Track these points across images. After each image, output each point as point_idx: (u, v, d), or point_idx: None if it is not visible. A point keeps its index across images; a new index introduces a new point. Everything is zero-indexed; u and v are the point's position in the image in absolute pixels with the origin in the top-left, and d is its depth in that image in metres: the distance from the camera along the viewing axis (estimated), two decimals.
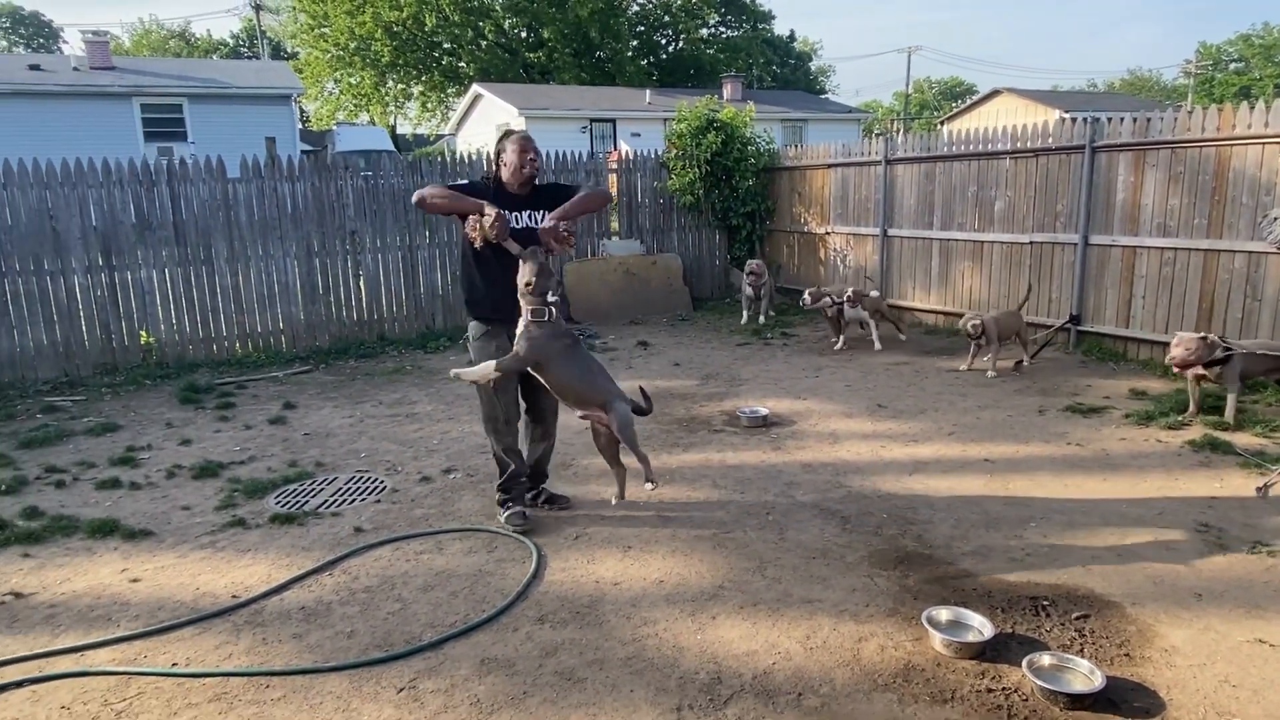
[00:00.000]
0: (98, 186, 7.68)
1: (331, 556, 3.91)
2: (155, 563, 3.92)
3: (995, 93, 37.26)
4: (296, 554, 3.96)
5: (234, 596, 3.55)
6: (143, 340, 8.02)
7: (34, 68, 21.36)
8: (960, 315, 8.43)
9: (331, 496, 4.72)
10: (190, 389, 7.14)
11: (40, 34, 47.89)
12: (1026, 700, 2.70)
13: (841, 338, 8.13)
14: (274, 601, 3.52)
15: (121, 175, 7.76)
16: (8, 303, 7.42)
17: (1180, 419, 5.43)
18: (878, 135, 10.50)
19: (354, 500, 4.66)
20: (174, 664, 3.06)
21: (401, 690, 2.86)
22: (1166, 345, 6.68)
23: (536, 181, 4.17)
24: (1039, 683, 2.70)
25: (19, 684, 2.96)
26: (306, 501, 4.65)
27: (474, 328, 4.18)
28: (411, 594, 3.53)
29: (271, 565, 3.84)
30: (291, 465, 5.26)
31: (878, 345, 8.01)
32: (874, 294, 8.33)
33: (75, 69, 21.68)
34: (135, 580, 3.75)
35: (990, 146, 8.10)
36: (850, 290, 8.08)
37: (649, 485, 3.85)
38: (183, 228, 8.03)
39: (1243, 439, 5.07)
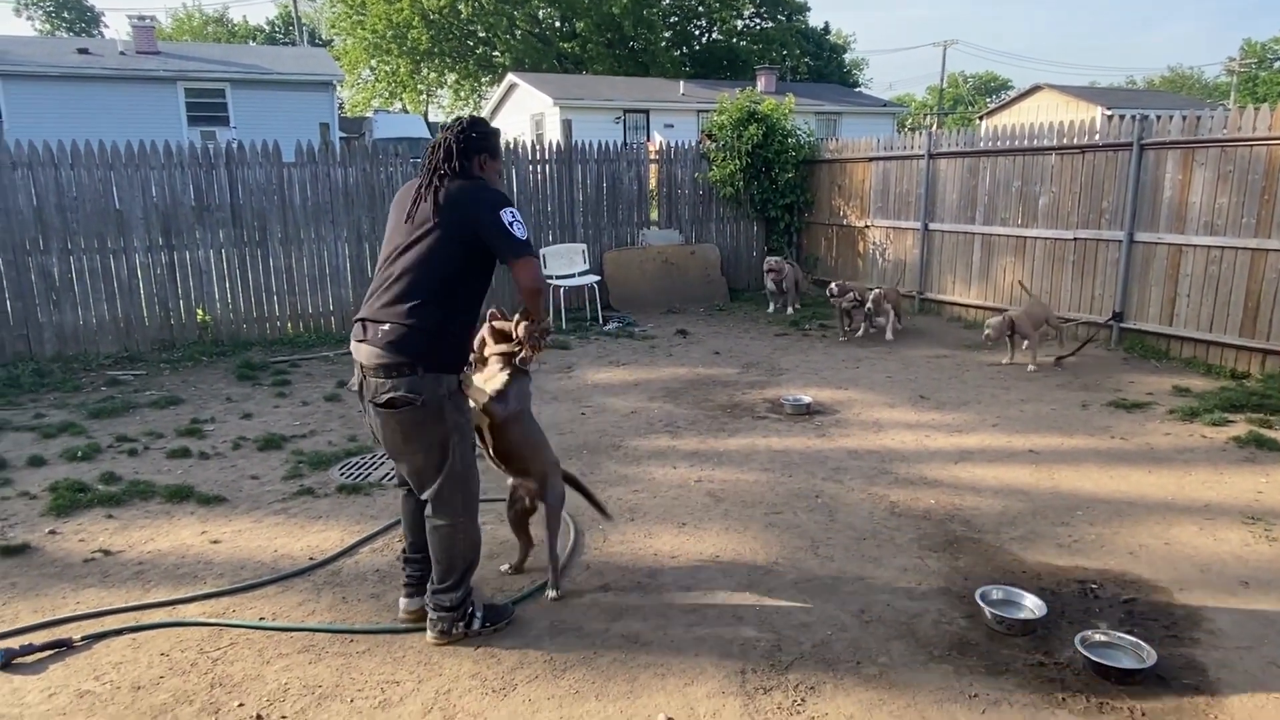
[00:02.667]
0: (159, 168, 7.92)
1: (392, 519, 4.09)
2: (232, 526, 4.12)
3: (1036, 88, 36.81)
4: (366, 522, 4.14)
5: (310, 559, 3.74)
6: (199, 318, 8.27)
7: (82, 51, 21.82)
8: (1002, 310, 8.49)
9: (392, 470, 4.90)
10: (246, 366, 7.37)
11: (82, 18, 48.80)
12: (1079, 675, 2.81)
13: (862, 327, 8.28)
14: (349, 564, 3.70)
15: (182, 158, 7.99)
16: (73, 279, 7.69)
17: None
18: (914, 129, 10.50)
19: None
20: (261, 617, 3.24)
21: (479, 647, 3.02)
22: (1211, 344, 6.74)
23: None
24: (1092, 657, 2.80)
25: (118, 632, 3.16)
26: (369, 474, 4.84)
27: (452, 384, 2.95)
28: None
29: (344, 531, 4.03)
30: (351, 440, 5.45)
31: (889, 335, 8.15)
32: (878, 289, 8.42)
33: (121, 53, 22.12)
34: (215, 541, 3.95)
35: (1036, 142, 8.11)
36: (879, 289, 8.21)
37: (551, 594, 3.32)
38: (239, 210, 8.26)
39: None
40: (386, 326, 2.83)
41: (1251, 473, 4.59)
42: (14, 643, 2.99)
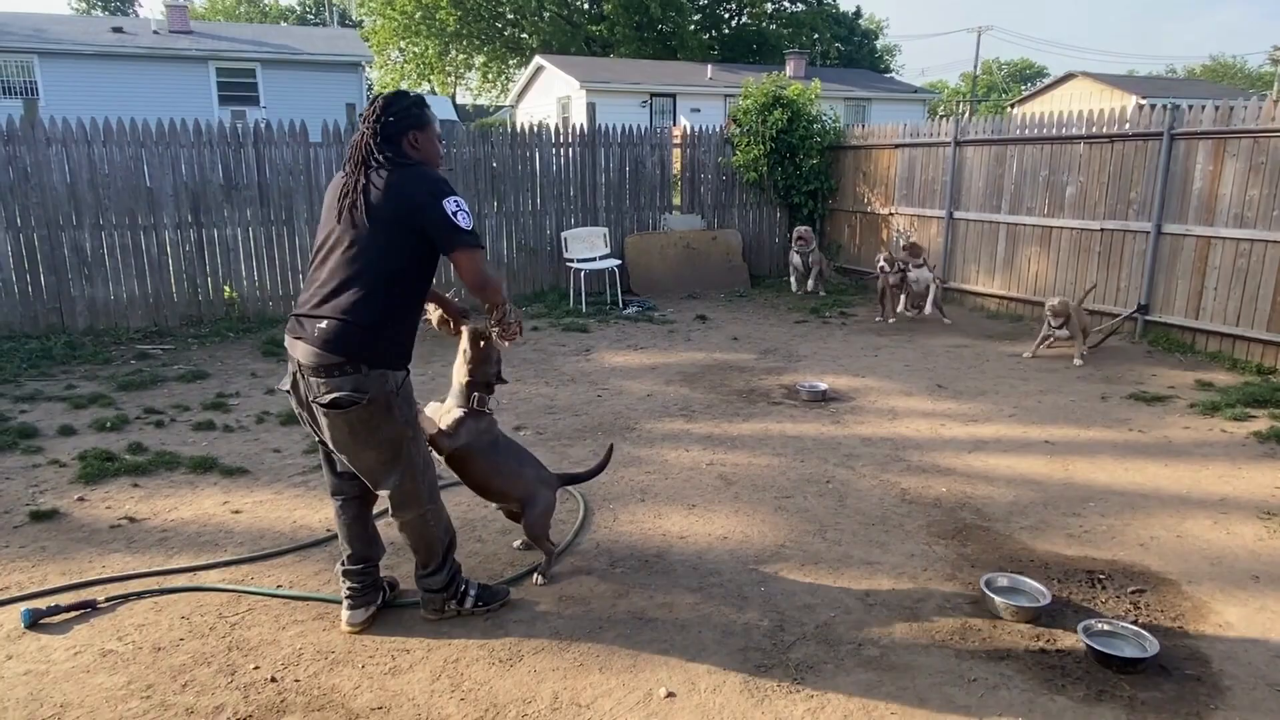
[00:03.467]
0: (189, 146, 8.04)
1: None
2: (253, 497, 4.23)
3: (1069, 76, 36.13)
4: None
5: (328, 530, 3.83)
6: (226, 295, 8.41)
7: (117, 30, 22.15)
8: (1025, 301, 8.43)
9: None
10: (271, 342, 7.50)
11: None
12: (1080, 662, 2.82)
13: (902, 301, 8.26)
14: None
15: (211, 136, 8.11)
16: (104, 255, 7.86)
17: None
18: (944, 116, 10.41)
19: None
20: (279, 585, 3.34)
21: (488, 619, 3.09)
22: (1237, 338, 6.65)
23: None
24: (1093, 646, 2.81)
25: (141, 595, 3.27)
26: None
27: (398, 380, 2.81)
28: (491, 536, 3.77)
29: None
30: None
31: (928, 310, 8.09)
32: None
33: (155, 32, 22.42)
34: (237, 511, 4.06)
35: (1064, 131, 7.99)
36: (907, 242, 8.18)
37: (538, 579, 3.33)
38: (266, 189, 8.38)
39: None
40: (324, 324, 2.65)
41: (1271, 468, 4.54)
42: (41, 603, 3.11)
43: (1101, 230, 7.69)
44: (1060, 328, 6.80)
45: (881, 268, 8.27)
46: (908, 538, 3.77)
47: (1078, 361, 6.76)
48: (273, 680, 2.74)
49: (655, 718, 2.57)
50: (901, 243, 8.12)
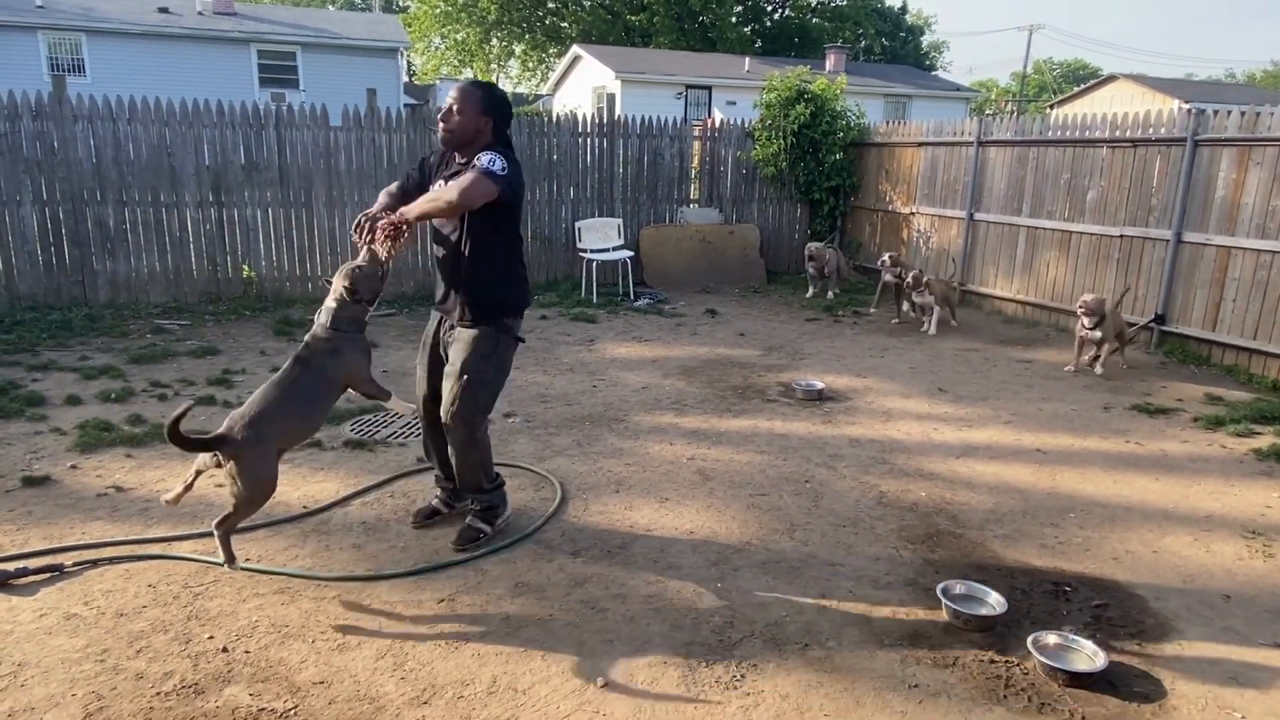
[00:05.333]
0: (212, 126, 8.21)
1: (389, 475, 4.24)
2: None
3: (1111, 78, 35.30)
4: (364, 476, 4.31)
5: (304, 507, 3.91)
6: (244, 274, 8.58)
7: (162, 10, 22.56)
8: (1042, 306, 8.28)
9: (401, 429, 5.06)
10: (284, 322, 7.65)
11: None
12: (1027, 674, 2.78)
13: (905, 304, 8.15)
14: (339, 514, 3.86)
15: (234, 117, 8.27)
16: (126, 231, 8.06)
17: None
18: (994, 115, 10.21)
19: (419, 434, 4.97)
20: (246, 559, 3.41)
21: (442, 601, 3.14)
22: (1254, 353, 6.45)
23: (465, 150, 3.34)
24: (1041, 659, 2.78)
25: (112, 561, 3.37)
26: (378, 431, 5.01)
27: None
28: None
29: (341, 484, 4.19)
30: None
31: (932, 330, 7.95)
32: (938, 279, 8.19)
33: (200, 13, 22.82)
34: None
35: (1087, 134, 7.82)
36: (913, 273, 8.04)
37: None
38: (286, 171, 8.52)
39: None
40: None
41: (1265, 487, 4.42)
42: (10, 566, 3.22)
43: (1121, 236, 7.51)
44: (1094, 328, 6.44)
45: (883, 261, 8.16)
46: (876, 541, 3.74)
47: (1099, 370, 6.52)
48: (224, 650, 2.81)
49: (588, 706, 2.59)
50: (909, 277, 7.99)
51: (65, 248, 7.84)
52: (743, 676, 2.74)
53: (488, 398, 3.48)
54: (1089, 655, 2.81)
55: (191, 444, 3.02)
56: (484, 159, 3.16)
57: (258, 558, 3.44)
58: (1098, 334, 6.48)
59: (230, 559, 3.10)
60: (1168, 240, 7.07)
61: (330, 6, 46.64)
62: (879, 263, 8.14)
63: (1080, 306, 6.50)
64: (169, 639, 2.87)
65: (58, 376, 5.89)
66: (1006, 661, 2.85)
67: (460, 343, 3.44)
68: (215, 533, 3.08)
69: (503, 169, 3.17)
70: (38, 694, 2.57)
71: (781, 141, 10.32)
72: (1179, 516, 4.04)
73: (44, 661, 2.72)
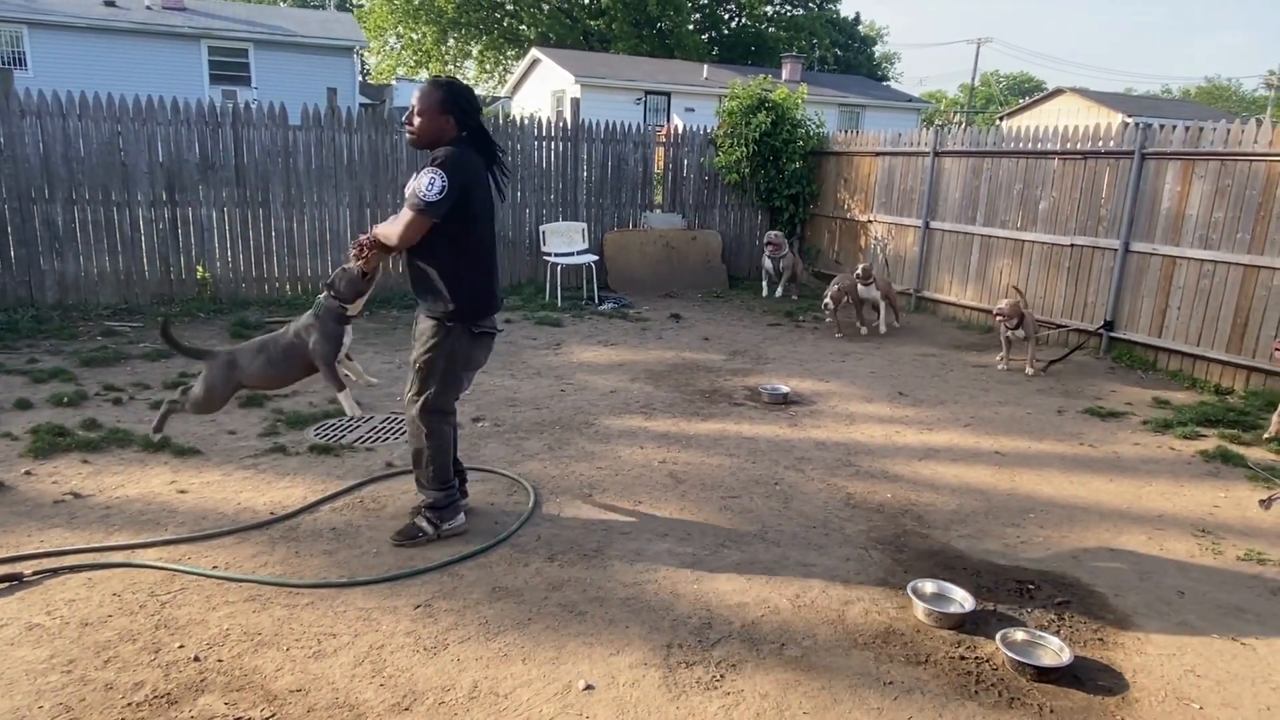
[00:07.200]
0: (166, 124, 8.01)
1: (358, 480, 4.19)
2: (201, 478, 4.23)
3: (1058, 91, 36.41)
4: (331, 481, 4.24)
5: (272, 513, 3.84)
6: (199, 275, 8.39)
7: (109, 4, 21.92)
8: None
9: (367, 433, 5.00)
10: (241, 324, 7.49)
11: None
12: (996, 670, 2.87)
13: (856, 322, 8.32)
14: (308, 520, 3.80)
15: (189, 115, 8.08)
16: (76, 230, 7.82)
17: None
18: (929, 127, 10.45)
19: (387, 439, 4.93)
20: (214, 566, 3.35)
21: (418, 607, 3.11)
22: (1198, 358, 6.73)
23: (434, 148, 3.41)
24: (1009, 654, 2.86)
25: (74, 569, 3.27)
26: (343, 436, 4.94)
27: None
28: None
29: (308, 489, 4.13)
30: (332, 402, 5.54)
31: (883, 329, 8.14)
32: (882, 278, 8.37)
33: (148, 7, 22.23)
34: (183, 491, 4.06)
35: (1039, 146, 8.06)
36: (860, 268, 8.19)
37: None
38: (243, 170, 8.35)
39: (1256, 453, 5.12)
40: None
41: (1212, 487, 4.61)
42: None
43: (1071, 245, 7.76)
44: (1017, 328, 6.87)
45: (857, 275, 8.25)
46: (846, 542, 3.81)
47: (1029, 371, 6.86)
48: (196, 659, 2.75)
49: (571, 710, 2.59)
50: (859, 270, 8.17)
51: (11, 247, 7.57)
52: (722, 676, 2.78)
53: (440, 388, 3.51)
54: (1055, 650, 2.90)
55: (184, 349, 4.05)
56: (423, 182, 3.21)
57: (225, 565, 3.37)
58: (1021, 332, 6.90)
59: (158, 429, 4.10)
60: (1116, 249, 7.33)
61: (283, 3, 45.80)
62: (854, 275, 8.24)
63: (998, 314, 6.91)
64: (138, 648, 2.80)
65: (5, 380, 5.70)
66: (977, 659, 2.93)
67: (417, 337, 3.58)
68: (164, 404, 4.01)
69: (439, 192, 3.19)
70: (2, 707, 2.48)
71: (743, 149, 10.43)
72: (1133, 516, 4.19)
73: (8, 673, 2.63)
